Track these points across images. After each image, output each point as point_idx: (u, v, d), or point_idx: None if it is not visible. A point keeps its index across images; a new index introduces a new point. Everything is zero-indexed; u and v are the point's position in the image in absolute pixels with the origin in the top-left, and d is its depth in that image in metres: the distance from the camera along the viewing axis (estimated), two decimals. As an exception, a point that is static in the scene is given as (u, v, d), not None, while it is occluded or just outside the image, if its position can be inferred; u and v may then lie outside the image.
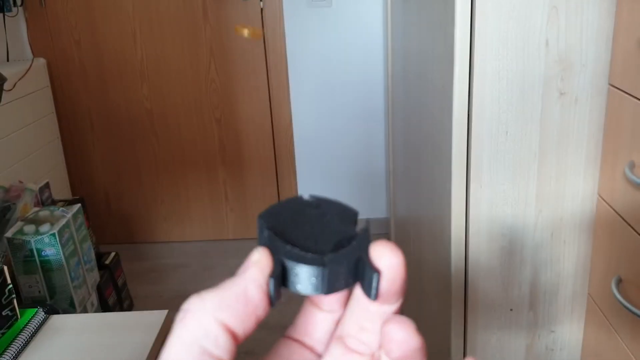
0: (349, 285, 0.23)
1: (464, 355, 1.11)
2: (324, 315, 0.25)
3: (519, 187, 1.01)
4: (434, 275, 1.26)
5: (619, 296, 0.91)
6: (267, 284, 0.22)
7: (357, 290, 0.24)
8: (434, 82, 1.16)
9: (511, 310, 1.08)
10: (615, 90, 0.94)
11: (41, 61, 2.40)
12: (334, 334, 0.25)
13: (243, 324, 0.22)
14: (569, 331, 1.09)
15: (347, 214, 0.25)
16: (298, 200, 0.25)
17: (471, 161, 1.00)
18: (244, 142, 2.61)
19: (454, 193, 1.03)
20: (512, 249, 1.05)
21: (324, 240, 0.24)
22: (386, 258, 0.23)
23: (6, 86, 1.92)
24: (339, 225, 0.24)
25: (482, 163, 1.00)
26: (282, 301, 0.24)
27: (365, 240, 0.23)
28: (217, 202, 2.70)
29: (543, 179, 1.01)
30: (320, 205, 0.25)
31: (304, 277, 0.23)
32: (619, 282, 0.94)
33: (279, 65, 2.48)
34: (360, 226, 0.24)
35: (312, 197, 0.25)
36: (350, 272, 0.23)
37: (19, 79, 2.14)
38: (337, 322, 0.25)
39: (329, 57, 2.47)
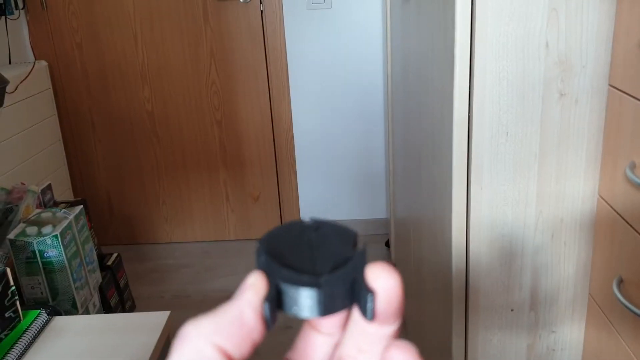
0: (345, 307, 0.23)
1: (465, 355, 1.12)
2: (323, 338, 0.26)
3: (519, 188, 1.02)
4: (434, 275, 1.26)
5: (620, 296, 0.91)
6: (263, 307, 0.23)
7: (355, 312, 0.24)
8: (434, 84, 1.16)
9: (512, 310, 1.08)
10: (616, 90, 0.94)
11: (43, 64, 2.40)
12: (333, 356, 0.25)
13: (239, 348, 0.22)
14: (570, 332, 1.10)
15: (346, 236, 0.25)
16: (298, 223, 0.25)
17: (472, 162, 1.00)
18: (245, 144, 2.61)
19: (455, 194, 1.04)
20: (512, 249, 1.05)
21: (321, 263, 0.24)
22: (382, 279, 0.23)
23: (8, 89, 1.93)
24: (338, 247, 0.24)
25: (482, 164, 1.00)
26: (279, 325, 0.24)
27: (362, 261, 0.23)
28: (218, 203, 2.71)
29: (543, 179, 1.01)
30: (320, 227, 0.25)
31: (299, 299, 0.23)
32: (620, 282, 0.94)
33: (279, 66, 2.49)
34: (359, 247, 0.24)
35: (312, 219, 0.25)
36: (347, 293, 0.23)
37: (21, 82, 2.15)
38: (337, 345, 0.25)
39: (328, 59, 2.48)
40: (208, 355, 0.22)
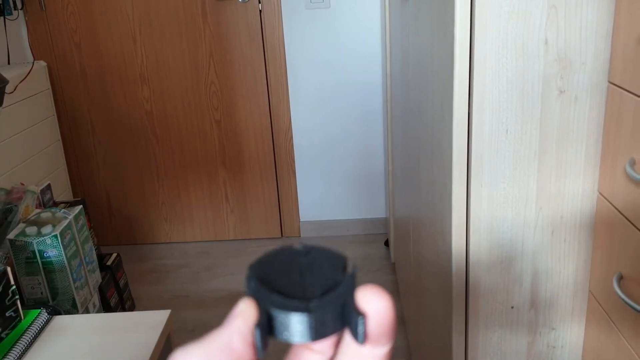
0: (336, 331, 0.23)
1: (466, 353, 1.12)
2: (315, 356, 0.25)
3: (519, 186, 1.02)
4: (434, 273, 1.27)
5: (620, 293, 0.91)
6: (253, 334, 0.23)
7: (347, 335, 0.24)
8: (434, 82, 1.16)
9: (512, 308, 1.08)
10: (615, 87, 0.95)
11: (42, 64, 2.40)
12: None
13: None
14: (570, 329, 1.10)
15: (337, 260, 0.25)
16: (288, 249, 0.25)
17: (471, 160, 1.00)
18: (244, 144, 2.62)
19: (455, 192, 1.04)
20: (512, 247, 1.05)
21: (311, 288, 0.24)
22: (373, 302, 0.23)
23: (7, 89, 1.92)
24: (328, 271, 0.24)
25: (482, 162, 1.00)
26: (270, 352, 0.24)
27: (351, 285, 0.23)
28: (217, 203, 2.71)
29: (543, 177, 1.01)
30: (310, 252, 0.25)
31: (290, 324, 0.23)
32: (620, 279, 0.94)
33: (278, 66, 2.49)
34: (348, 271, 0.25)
35: (302, 245, 0.25)
36: (337, 317, 0.23)
37: (20, 82, 2.15)
38: None
39: (327, 59, 2.48)
40: None
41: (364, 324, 0.23)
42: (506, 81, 0.97)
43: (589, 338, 1.09)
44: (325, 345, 0.25)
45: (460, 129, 1.00)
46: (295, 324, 0.23)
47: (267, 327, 0.23)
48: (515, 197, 1.02)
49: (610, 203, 0.98)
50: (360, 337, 0.23)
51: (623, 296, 0.90)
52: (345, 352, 0.24)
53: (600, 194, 1.01)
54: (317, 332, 0.23)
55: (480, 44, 0.95)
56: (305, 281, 0.24)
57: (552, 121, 0.99)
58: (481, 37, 0.95)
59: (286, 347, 0.26)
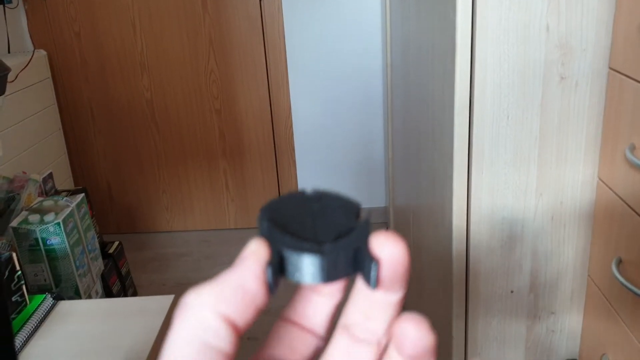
0: (348, 275, 0.23)
1: (466, 337, 1.13)
2: (323, 299, 0.25)
3: (519, 172, 1.03)
4: (434, 260, 1.28)
5: (619, 276, 0.92)
6: (265, 273, 0.23)
7: (359, 281, 0.24)
8: (435, 68, 1.17)
9: (512, 292, 1.09)
10: (616, 73, 0.95)
11: (42, 53, 2.40)
12: (339, 324, 0.25)
13: (243, 315, 0.22)
14: (569, 313, 1.11)
15: (349, 207, 0.25)
16: (300, 194, 0.25)
17: (473, 146, 1.01)
18: (244, 132, 2.62)
19: (456, 179, 1.04)
20: (512, 232, 1.06)
21: (324, 232, 0.24)
22: (387, 247, 0.23)
23: (8, 78, 1.93)
24: (341, 217, 0.24)
25: (483, 148, 1.01)
26: (282, 289, 0.24)
27: (365, 230, 0.23)
28: (217, 191, 2.71)
29: (543, 163, 1.02)
30: (322, 198, 0.25)
31: (301, 266, 0.23)
32: (619, 263, 0.95)
33: (278, 55, 2.49)
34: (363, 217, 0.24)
35: (314, 190, 0.25)
36: (349, 261, 0.23)
37: (21, 71, 2.15)
38: (336, 306, 0.25)
39: (327, 47, 2.48)
40: (212, 324, 0.22)
41: (377, 269, 0.23)
42: (507, 67, 0.97)
43: (588, 322, 1.10)
44: (334, 288, 0.25)
45: (462, 115, 1.01)
46: (308, 266, 0.23)
47: (278, 268, 0.23)
48: (516, 182, 1.03)
49: (610, 188, 0.99)
50: (373, 282, 0.23)
51: (622, 280, 0.91)
52: (358, 298, 0.24)
53: (600, 179, 1.02)
54: (329, 275, 0.23)
55: (481, 30, 0.96)
56: (318, 225, 0.24)
57: (553, 107, 1.00)
58: (482, 23, 0.95)
59: (292, 290, 0.26)
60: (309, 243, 0.23)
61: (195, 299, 0.22)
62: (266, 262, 0.23)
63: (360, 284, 0.24)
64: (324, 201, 0.25)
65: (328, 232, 0.24)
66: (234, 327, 0.22)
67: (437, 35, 1.13)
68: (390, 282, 0.23)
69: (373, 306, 0.24)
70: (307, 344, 0.26)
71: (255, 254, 0.23)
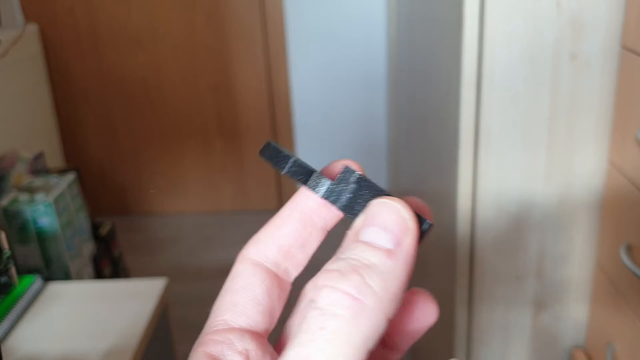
0: (345, 211, 0.25)
1: (469, 324, 1.10)
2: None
3: (528, 154, 0.99)
4: (438, 244, 1.25)
5: (627, 262, 0.89)
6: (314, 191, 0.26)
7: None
8: (442, 46, 1.13)
9: (517, 278, 1.07)
10: (628, 53, 0.92)
11: (33, 27, 2.34)
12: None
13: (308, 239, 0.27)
14: (576, 299, 1.09)
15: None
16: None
17: (480, 126, 0.98)
18: (242, 111, 2.57)
19: (462, 160, 1.01)
20: (520, 216, 1.03)
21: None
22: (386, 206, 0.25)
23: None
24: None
25: (490, 130, 0.98)
26: None
27: (377, 189, 0.26)
28: (214, 172, 2.67)
29: (553, 144, 0.99)
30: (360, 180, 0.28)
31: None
32: (628, 248, 0.93)
33: (277, 31, 2.44)
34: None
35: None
36: (353, 201, 0.25)
37: (12, 45, 2.09)
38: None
39: (329, 25, 2.43)
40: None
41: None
42: (517, 45, 0.94)
43: (595, 309, 1.08)
44: (330, 216, 0.26)
45: (469, 93, 0.97)
46: (315, 177, 0.25)
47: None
48: (524, 165, 1.00)
49: (620, 172, 0.95)
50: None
51: (631, 266, 0.89)
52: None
53: (611, 162, 0.99)
54: (331, 195, 0.25)
55: (490, 6, 0.92)
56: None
57: (563, 87, 0.96)
58: (491, 0, 0.91)
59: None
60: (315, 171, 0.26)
61: (256, 248, 0.28)
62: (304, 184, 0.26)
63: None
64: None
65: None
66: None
67: (444, 12, 1.09)
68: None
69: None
70: None
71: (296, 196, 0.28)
